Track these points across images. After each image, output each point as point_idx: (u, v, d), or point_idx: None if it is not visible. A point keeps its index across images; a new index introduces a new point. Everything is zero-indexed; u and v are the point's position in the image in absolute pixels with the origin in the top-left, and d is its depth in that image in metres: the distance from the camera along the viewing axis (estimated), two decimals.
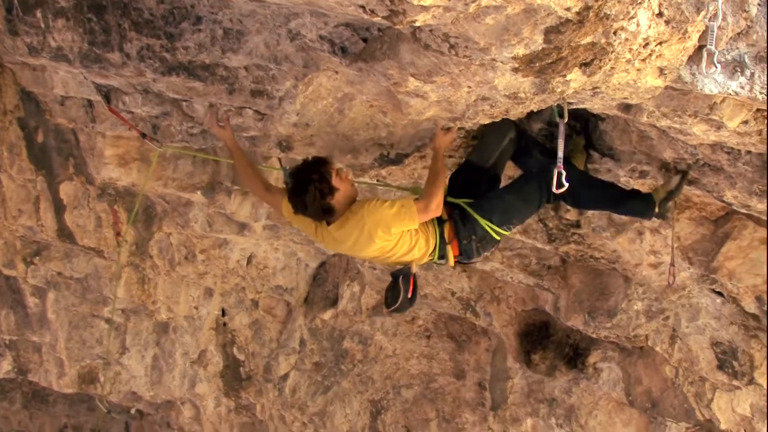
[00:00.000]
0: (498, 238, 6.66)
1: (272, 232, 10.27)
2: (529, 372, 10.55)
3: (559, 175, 5.96)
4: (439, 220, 6.44)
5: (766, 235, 7.46)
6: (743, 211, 7.03)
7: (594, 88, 5.25)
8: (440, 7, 4.13)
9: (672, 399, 9.44)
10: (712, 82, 5.16)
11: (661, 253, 7.96)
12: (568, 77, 4.86)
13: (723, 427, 9.16)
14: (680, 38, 4.71)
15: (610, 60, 4.71)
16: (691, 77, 5.17)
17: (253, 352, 12.70)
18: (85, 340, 12.68)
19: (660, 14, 4.47)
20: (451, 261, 6.64)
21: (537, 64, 4.65)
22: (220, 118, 6.51)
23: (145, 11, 5.91)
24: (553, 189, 6.03)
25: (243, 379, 12.99)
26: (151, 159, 8.45)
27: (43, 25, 6.27)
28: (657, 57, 4.84)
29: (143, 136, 7.55)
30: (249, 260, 11.45)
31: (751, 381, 8.61)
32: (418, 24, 4.26)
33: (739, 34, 4.95)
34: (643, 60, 4.83)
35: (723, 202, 6.95)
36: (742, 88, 5.14)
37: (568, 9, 4.12)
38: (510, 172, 7.24)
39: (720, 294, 8.39)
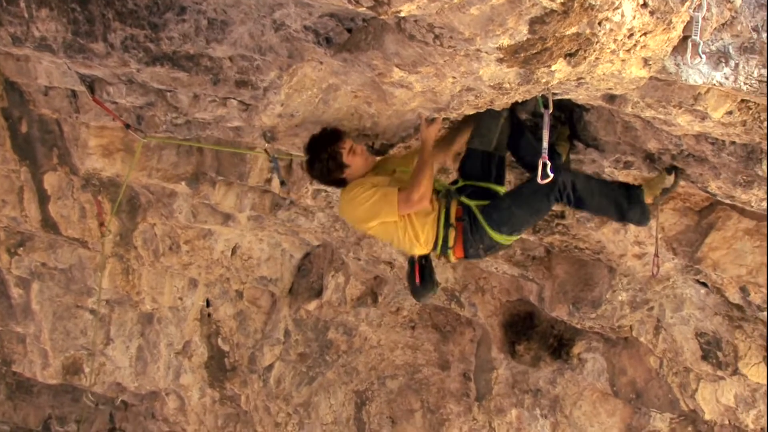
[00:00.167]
0: (508, 244, 6.70)
1: (257, 223, 10.26)
2: (513, 363, 10.57)
3: (544, 166, 5.95)
4: (446, 224, 6.42)
5: (755, 227, 7.48)
6: (727, 201, 7.04)
7: (579, 79, 5.25)
8: None
9: (656, 389, 9.47)
10: (697, 72, 5.16)
11: (646, 243, 7.97)
12: (553, 68, 4.85)
13: (707, 417, 9.19)
14: (665, 29, 4.71)
15: (594, 50, 4.71)
16: (675, 68, 5.17)
17: (237, 342, 12.72)
18: (69, 331, 12.68)
19: (645, 5, 4.47)
20: (452, 260, 6.66)
21: (522, 55, 4.64)
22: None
23: (129, 1, 5.88)
24: (538, 180, 6.01)
25: (228, 370, 13.00)
26: (135, 149, 8.43)
27: (26, 15, 6.23)
28: (642, 48, 4.84)
29: (127, 126, 7.53)
30: (233, 251, 11.46)
31: (736, 371, 8.63)
32: (402, 14, 4.25)
33: (723, 24, 4.95)
34: (628, 50, 4.83)
35: (707, 192, 6.96)
36: (727, 78, 5.14)
37: None
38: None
39: (704, 284, 8.41)
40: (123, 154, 9.06)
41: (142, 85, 6.92)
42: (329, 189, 8.69)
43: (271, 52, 5.72)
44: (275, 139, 7.02)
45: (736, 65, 5.09)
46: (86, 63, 6.51)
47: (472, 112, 5.97)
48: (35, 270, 11.89)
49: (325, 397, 12.46)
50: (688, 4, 4.56)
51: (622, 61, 4.96)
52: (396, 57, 4.96)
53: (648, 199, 6.64)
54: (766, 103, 5.50)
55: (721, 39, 5.03)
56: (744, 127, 5.80)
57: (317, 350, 12.28)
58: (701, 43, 4.78)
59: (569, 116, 7.11)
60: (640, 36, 4.70)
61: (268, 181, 8.81)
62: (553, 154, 6.38)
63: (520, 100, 5.76)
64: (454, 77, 5.10)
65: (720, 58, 5.08)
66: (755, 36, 4.95)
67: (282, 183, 8.29)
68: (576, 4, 4.16)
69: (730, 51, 5.06)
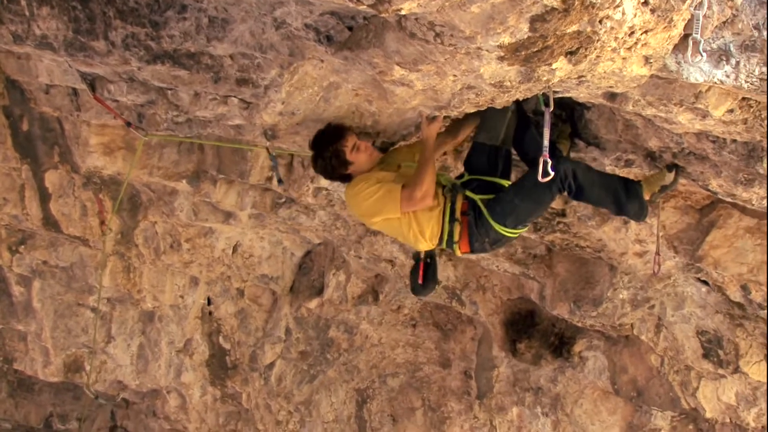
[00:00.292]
0: (513, 237, 6.68)
1: (258, 221, 10.26)
2: (514, 361, 10.57)
3: (545, 164, 5.94)
4: (452, 218, 6.42)
5: (756, 225, 7.49)
6: (728, 200, 7.04)
7: (580, 77, 5.24)
8: None
9: (657, 387, 9.46)
10: (698, 70, 5.16)
11: (647, 241, 7.97)
12: (554, 66, 4.85)
13: (708, 415, 9.19)
14: (666, 27, 4.71)
15: (595, 49, 4.70)
16: (676, 66, 5.17)
17: (238, 341, 12.72)
18: (70, 329, 12.68)
19: (645, 3, 4.47)
20: (458, 254, 6.66)
21: (523, 53, 4.64)
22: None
23: None
24: (539, 177, 6.00)
25: (229, 368, 13.00)
26: (136, 147, 8.44)
27: (27, 13, 6.23)
28: (642, 46, 4.84)
29: (128, 124, 7.53)
30: (234, 249, 11.46)
31: (737, 370, 8.63)
32: (403, 12, 4.24)
33: (724, 22, 4.95)
34: (629, 49, 4.83)
35: (708, 191, 6.95)
36: (728, 76, 5.14)
37: None
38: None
39: (705, 283, 8.42)
40: (124, 152, 9.06)
41: (143, 83, 6.92)
42: (330, 188, 8.70)
43: (272, 50, 5.72)
44: (276, 137, 7.02)
45: (737, 63, 5.09)
46: (87, 61, 6.51)
47: (473, 110, 5.97)
48: (36, 268, 11.90)
49: (326, 395, 12.46)
50: (689, 2, 4.56)
51: (623, 59, 4.96)
52: (397, 55, 4.96)
53: (646, 195, 6.61)
54: (766, 102, 5.49)
55: (722, 37, 5.03)
56: (745, 126, 5.80)
57: (318, 348, 12.29)
58: (702, 41, 4.78)
59: (570, 114, 7.11)
60: (641, 34, 4.70)
61: (269, 179, 8.81)
62: (554, 152, 6.37)
63: (521, 99, 5.76)
64: (454, 75, 5.10)
65: (721, 56, 5.08)
66: (756, 34, 4.95)
67: (279, 181, 8.29)
68: (577, 2, 4.15)
69: (731, 49, 5.06)
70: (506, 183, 6.69)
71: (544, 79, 5.06)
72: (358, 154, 6.31)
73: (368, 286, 11.54)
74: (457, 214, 6.39)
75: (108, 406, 15.64)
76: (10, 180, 10.06)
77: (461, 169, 7.11)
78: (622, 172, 7.05)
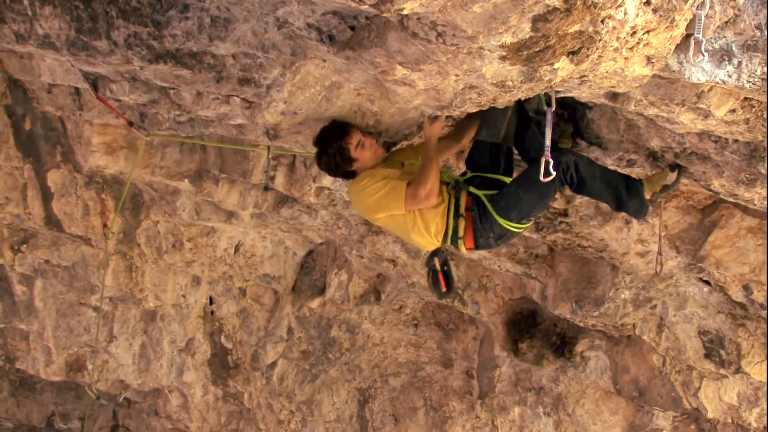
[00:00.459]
0: (518, 231, 6.67)
1: (260, 221, 10.27)
2: (516, 360, 10.57)
3: (547, 164, 5.93)
4: (456, 214, 6.41)
5: (757, 225, 7.48)
6: (730, 199, 7.04)
7: (581, 77, 5.24)
8: None
9: (659, 387, 9.47)
10: (700, 70, 5.16)
11: (649, 241, 7.97)
12: (556, 66, 4.85)
13: (710, 415, 9.19)
14: (668, 27, 4.71)
15: (597, 48, 4.70)
16: (678, 66, 5.17)
17: (240, 340, 12.72)
18: (72, 328, 12.68)
19: (647, 2, 4.47)
20: (463, 250, 6.65)
21: (525, 53, 4.64)
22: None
23: None
24: (540, 177, 5.99)
25: (231, 367, 13.01)
26: (138, 147, 8.44)
27: (30, 13, 6.23)
28: (644, 45, 4.84)
29: (131, 124, 7.53)
30: (236, 248, 11.46)
31: (738, 370, 8.64)
32: (405, 12, 4.24)
33: (726, 22, 4.95)
34: (631, 48, 4.83)
35: (710, 190, 6.95)
36: (730, 76, 5.14)
37: None
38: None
39: (707, 283, 8.42)
40: (126, 152, 9.07)
41: (145, 82, 6.92)
42: (332, 187, 8.70)
43: (274, 50, 5.72)
44: (278, 137, 7.02)
45: (739, 63, 5.09)
46: (89, 60, 6.51)
47: (475, 110, 5.97)
48: (38, 267, 11.90)
49: (327, 395, 12.46)
50: (691, 2, 4.56)
51: (625, 59, 4.96)
52: (399, 55, 4.96)
53: (647, 194, 6.61)
54: None
55: (724, 37, 5.03)
56: (747, 125, 5.80)
57: (320, 348, 12.29)
58: (704, 41, 4.78)
59: (572, 114, 7.10)
60: (643, 34, 4.70)
61: (272, 179, 8.81)
62: (555, 151, 6.37)
63: (522, 98, 5.76)
64: (456, 75, 5.11)
65: (723, 56, 5.09)
66: (758, 34, 4.96)
67: (265, 188, 8.22)
68: (579, 2, 4.16)
69: (733, 49, 5.06)
70: (508, 179, 6.68)
71: (546, 78, 5.06)
72: (363, 151, 6.31)
73: (370, 286, 11.55)
74: (462, 210, 6.39)
75: (110, 406, 15.64)
76: (12, 179, 10.06)
77: (463, 168, 7.10)
78: (624, 172, 7.05)
